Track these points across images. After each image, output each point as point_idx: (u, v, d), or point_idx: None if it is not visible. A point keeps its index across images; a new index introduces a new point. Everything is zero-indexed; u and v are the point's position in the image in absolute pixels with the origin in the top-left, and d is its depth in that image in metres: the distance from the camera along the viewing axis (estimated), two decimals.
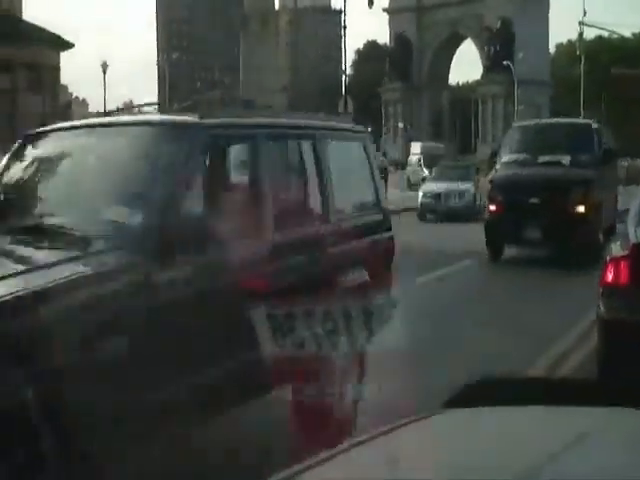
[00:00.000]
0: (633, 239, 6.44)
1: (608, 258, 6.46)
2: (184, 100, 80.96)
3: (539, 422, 1.65)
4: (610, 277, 6.29)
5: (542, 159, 15.07)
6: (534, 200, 14.11)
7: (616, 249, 6.58)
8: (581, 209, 14.00)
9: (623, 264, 6.24)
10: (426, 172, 34.62)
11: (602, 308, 6.41)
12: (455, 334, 8.62)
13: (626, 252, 6.33)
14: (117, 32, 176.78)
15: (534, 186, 14.43)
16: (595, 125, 16.52)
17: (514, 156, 15.60)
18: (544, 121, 23.79)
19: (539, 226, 13.91)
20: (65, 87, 54.63)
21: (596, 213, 14.25)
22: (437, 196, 25.60)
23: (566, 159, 15.00)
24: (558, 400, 1.66)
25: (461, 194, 25.48)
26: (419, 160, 47.49)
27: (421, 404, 2.53)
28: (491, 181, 15.82)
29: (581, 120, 23.73)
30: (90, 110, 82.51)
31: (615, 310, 6.34)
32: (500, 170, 15.61)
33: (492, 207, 14.93)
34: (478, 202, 23.53)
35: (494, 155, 19.28)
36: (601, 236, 14.02)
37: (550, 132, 16.87)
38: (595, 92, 72.75)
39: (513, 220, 14.11)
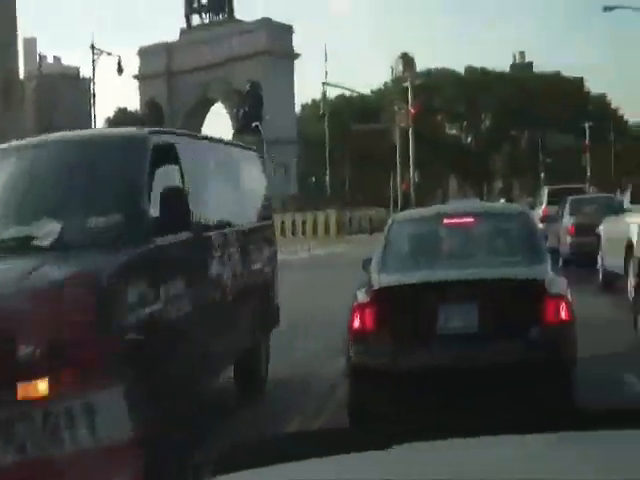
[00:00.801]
0: (376, 285, 6.67)
1: (354, 305, 6.61)
2: None
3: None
4: (357, 323, 6.47)
5: None
6: None
7: (361, 296, 6.72)
8: None
9: (368, 310, 6.46)
10: None
11: (351, 354, 6.61)
12: None
13: (370, 298, 6.55)
14: None
15: None
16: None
17: None
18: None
19: None
20: None
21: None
22: None
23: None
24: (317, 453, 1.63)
25: None
26: None
27: None
28: None
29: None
30: None
31: (362, 355, 6.52)
32: None
33: None
34: None
35: None
36: None
37: None
38: (340, 148, 76.66)
39: None
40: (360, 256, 8.24)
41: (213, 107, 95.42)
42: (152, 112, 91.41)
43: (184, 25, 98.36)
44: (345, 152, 78.21)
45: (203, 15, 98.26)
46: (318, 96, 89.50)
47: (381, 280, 6.79)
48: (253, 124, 74.35)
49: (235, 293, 7.59)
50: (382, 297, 6.54)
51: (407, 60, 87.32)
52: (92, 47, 45.18)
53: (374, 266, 7.12)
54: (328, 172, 67.30)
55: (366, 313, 6.45)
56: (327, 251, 38.11)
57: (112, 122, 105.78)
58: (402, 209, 36.70)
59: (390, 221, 8.15)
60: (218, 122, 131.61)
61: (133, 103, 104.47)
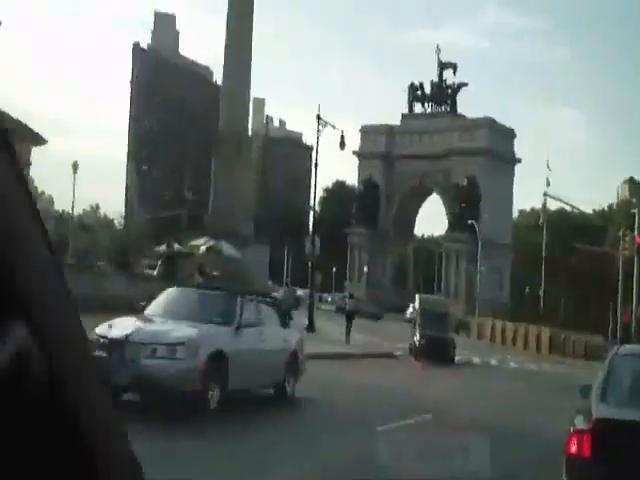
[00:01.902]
0: (596, 415, 6.78)
1: (572, 430, 6.80)
2: (152, 212, 79.98)
3: None
4: (573, 449, 6.65)
5: None
6: None
7: (580, 423, 6.86)
8: None
9: (586, 438, 6.59)
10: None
11: (565, 478, 6.79)
12: None
13: (589, 427, 6.67)
14: (90, 132, 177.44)
15: None
16: None
17: None
18: None
19: None
20: (32, 181, 53.35)
21: None
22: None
23: None
24: None
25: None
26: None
27: None
28: None
29: None
30: (56, 208, 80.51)
31: None
32: None
33: None
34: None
35: None
36: None
37: None
38: (556, 262, 73.41)
39: None
40: (575, 379, 8.81)
41: (429, 197, 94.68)
42: (368, 190, 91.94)
43: (406, 110, 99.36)
44: (562, 268, 74.75)
45: (426, 104, 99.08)
46: (536, 204, 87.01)
47: (601, 411, 6.91)
48: (468, 221, 72.78)
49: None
50: (601, 427, 6.65)
51: (634, 186, 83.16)
52: (318, 117, 45.34)
53: (594, 395, 7.25)
54: (543, 286, 64.21)
55: (584, 440, 6.59)
56: (540, 368, 36.73)
57: (329, 192, 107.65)
58: (622, 342, 33.79)
59: (613, 352, 8.26)
60: (433, 211, 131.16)
61: (350, 177, 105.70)
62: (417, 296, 38.17)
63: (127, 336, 11.46)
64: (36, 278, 0.94)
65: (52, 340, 0.92)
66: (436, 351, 30.64)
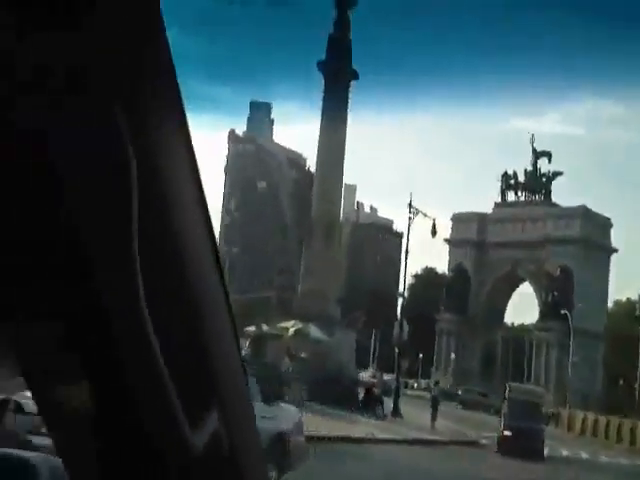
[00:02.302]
0: None
1: None
2: (242, 293, 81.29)
3: None
4: None
5: None
6: None
7: None
8: None
9: None
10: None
11: None
12: None
13: None
14: None
15: None
16: None
17: None
18: None
19: None
20: None
21: None
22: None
23: None
24: None
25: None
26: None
27: None
28: None
29: None
30: None
31: None
32: None
33: None
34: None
35: None
36: None
37: None
38: None
39: None
40: None
41: (521, 285, 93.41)
42: (458, 277, 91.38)
43: (498, 199, 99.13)
44: None
45: (519, 193, 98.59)
46: (633, 294, 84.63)
47: None
48: (562, 311, 71.30)
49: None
50: None
51: None
52: (409, 205, 45.94)
53: None
54: (639, 378, 62.02)
55: None
56: (634, 462, 34.75)
57: (419, 278, 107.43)
58: None
59: None
60: (525, 300, 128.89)
61: (440, 264, 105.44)
62: (507, 385, 36.86)
63: None
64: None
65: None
66: (524, 444, 28.04)
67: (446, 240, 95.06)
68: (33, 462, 1.44)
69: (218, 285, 1.01)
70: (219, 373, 0.96)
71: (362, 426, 27.83)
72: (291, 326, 36.50)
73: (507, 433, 29.53)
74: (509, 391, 33.96)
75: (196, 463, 0.89)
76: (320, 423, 25.17)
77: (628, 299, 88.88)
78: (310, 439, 20.03)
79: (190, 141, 0.90)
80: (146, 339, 0.80)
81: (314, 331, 36.32)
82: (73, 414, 0.87)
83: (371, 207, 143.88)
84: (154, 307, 0.81)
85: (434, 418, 34.46)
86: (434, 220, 48.46)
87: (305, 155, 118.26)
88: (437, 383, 42.13)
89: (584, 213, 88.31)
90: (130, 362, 0.83)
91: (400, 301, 58.56)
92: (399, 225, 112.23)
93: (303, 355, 34.62)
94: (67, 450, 0.93)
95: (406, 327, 44.73)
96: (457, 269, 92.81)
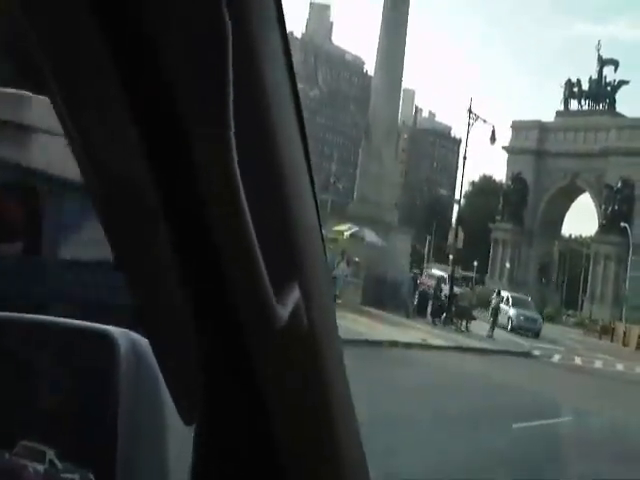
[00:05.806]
0: None
1: None
2: None
3: None
4: None
5: None
6: None
7: None
8: None
9: None
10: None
11: None
12: None
13: None
14: None
15: None
16: None
17: None
18: None
19: None
20: None
21: None
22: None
23: None
24: None
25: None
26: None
27: None
28: None
29: None
30: None
31: None
32: None
33: None
34: None
35: None
36: None
37: None
38: None
39: None
40: None
41: (580, 197, 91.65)
42: (516, 186, 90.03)
43: (561, 107, 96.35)
44: None
45: (582, 102, 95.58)
46: None
47: None
48: (621, 224, 69.93)
49: None
50: None
51: None
52: (469, 111, 44.69)
53: None
54: None
55: None
56: None
57: (476, 186, 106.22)
58: None
59: None
60: (583, 212, 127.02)
61: (498, 173, 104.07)
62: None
63: None
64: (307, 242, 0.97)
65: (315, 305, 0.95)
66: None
67: (505, 148, 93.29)
68: (113, 335, 1.40)
69: (303, 162, 1.02)
70: (302, 246, 0.94)
71: (416, 332, 27.77)
72: (346, 229, 36.27)
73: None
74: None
75: (279, 335, 0.89)
76: (374, 327, 25.20)
77: None
78: (365, 342, 20.08)
79: (282, 15, 0.88)
80: (238, 202, 0.79)
81: (369, 235, 36.06)
82: (159, 281, 0.87)
83: (429, 112, 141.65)
84: (247, 177, 0.79)
85: (493, 327, 34.53)
86: (493, 127, 47.46)
87: (364, 59, 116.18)
88: (498, 292, 41.72)
89: None
90: (220, 223, 0.82)
91: (456, 208, 57.87)
92: (457, 131, 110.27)
93: (357, 259, 34.50)
94: (152, 322, 0.93)
95: (461, 234, 44.25)
96: (515, 178, 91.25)
